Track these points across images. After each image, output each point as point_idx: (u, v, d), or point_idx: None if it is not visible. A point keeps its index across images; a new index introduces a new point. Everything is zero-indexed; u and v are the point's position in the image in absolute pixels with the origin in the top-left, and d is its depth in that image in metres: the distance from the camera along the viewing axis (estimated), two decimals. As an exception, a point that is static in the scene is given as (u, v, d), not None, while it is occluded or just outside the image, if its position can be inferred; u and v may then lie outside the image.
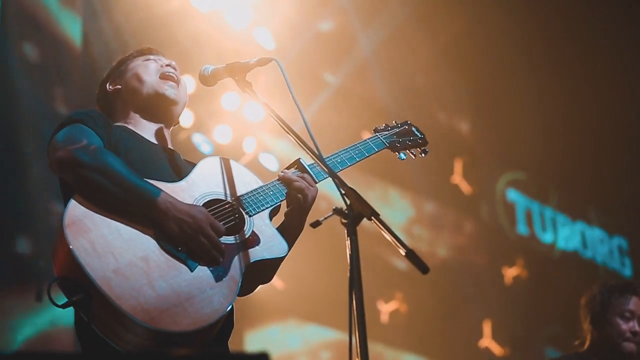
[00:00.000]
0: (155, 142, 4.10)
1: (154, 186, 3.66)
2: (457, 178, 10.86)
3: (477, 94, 10.96)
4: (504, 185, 11.34)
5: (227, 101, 8.60)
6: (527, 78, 10.87)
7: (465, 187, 10.89)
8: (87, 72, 7.54)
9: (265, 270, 3.90)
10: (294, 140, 3.75)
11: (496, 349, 10.52)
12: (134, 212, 3.59)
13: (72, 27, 7.71)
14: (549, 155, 11.13)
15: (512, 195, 11.37)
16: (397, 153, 4.51)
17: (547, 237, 11.50)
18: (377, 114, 9.95)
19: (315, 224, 3.76)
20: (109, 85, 4.25)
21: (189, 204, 3.71)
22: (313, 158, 3.65)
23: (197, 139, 8.36)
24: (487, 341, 10.51)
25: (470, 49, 10.53)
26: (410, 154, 4.56)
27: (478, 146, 11.16)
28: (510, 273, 11.04)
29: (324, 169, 3.69)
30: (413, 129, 4.62)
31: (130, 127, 4.09)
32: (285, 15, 8.97)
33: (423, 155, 4.59)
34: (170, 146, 4.17)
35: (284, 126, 3.79)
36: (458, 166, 10.88)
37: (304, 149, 3.67)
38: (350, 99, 9.84)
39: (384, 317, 9.75)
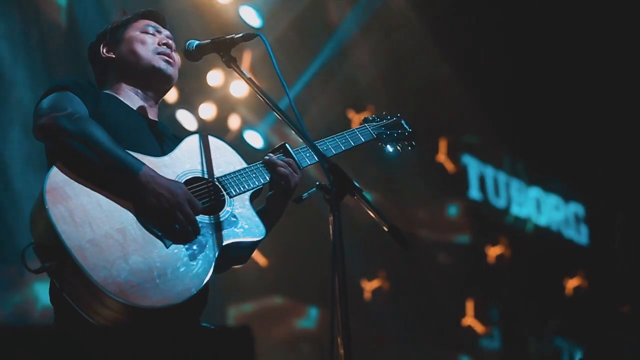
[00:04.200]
0: (143, 115, 4.11)
1: (137, 159, 3.66)
2: (442, 157, 10.86)
3: (467, 72, 10.92)
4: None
5: (213, 77, 8.58)
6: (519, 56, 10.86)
7: (450, 166, 10.90)
8: (72, 48, 7.50)
9: (241, 251, 3.91)
10: (279, 118, 3.75)
11: (478, 328, 10.57)
12: (114, 183, 3.60)
13: (57, 3, 7.66)
14: (506, 121, 11.12)
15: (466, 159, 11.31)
16: (384, 145, 4.54)
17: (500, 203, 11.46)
18: (364, 92, 9.95)
19: (298, 200, 3.77)
20: (102, 49, 4.23)
21: (170, 180, 3.71)
22: (296, 132, 3.64)
23: (182, 115, 8.35)
24: (469, 320, 10.55)
25: (459, 26, 10.49)
26: (398, 147, 4.58)
27: (462, 124, 11.13)
28: (494, 252, 11.07)
29: (306, 143, 3.69)
30: (402, 122, 4.65)
31: (119, 97, 4.10)
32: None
33: (410, 149, 4.61)
34: (156, 119, 4.18)
35: (268, 102, 3.79)
36: (443, 145, 10.88)
37: (288, 125, 3.68)
38: (337, 77, 9.82)
39: (367, 295, 9.78)
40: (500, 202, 11.36)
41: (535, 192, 11.76)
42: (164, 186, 3.63)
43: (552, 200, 11.89)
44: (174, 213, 3.60)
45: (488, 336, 10.63)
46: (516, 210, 11.47)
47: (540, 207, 11.72)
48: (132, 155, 3.66)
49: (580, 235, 11.93)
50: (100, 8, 7.55)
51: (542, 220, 11.68)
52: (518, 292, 10.75)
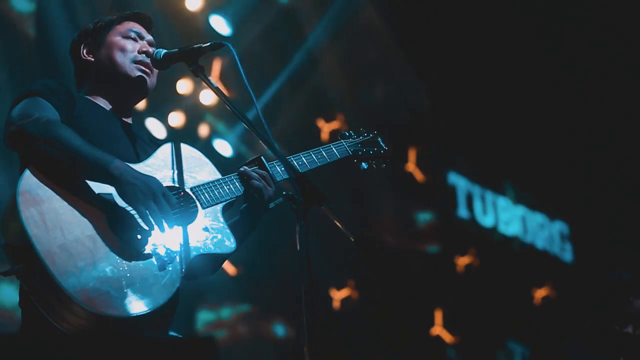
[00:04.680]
0: (118, 118, 4.09)
1: (108, 154, 3.64)
2: (411, 166, 10.88)
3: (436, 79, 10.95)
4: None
5: (182, 85, 8.58)
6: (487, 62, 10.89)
7: (419, 176, 10.93)
8: (41, 58, 7.48)
9: (210, 263, 3.88)
10: (248, 126, 3.73)
11: (447, 337, 10.59)
12: (86, 189, 3.58)
13: (24, 11, 7.63)
14: (490, 136, 11.15)
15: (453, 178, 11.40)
16: (358, 162, 4.53)
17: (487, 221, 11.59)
18: (333, 101, 9.97)
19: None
20: (83, 50, 4.19)
21: (144, 173, 3.68)
22: (262, 141, 3.62)
23: (151, 123, 8.32)
24: (438, 329, 10.58)
25: (428, 36, 10.51)
26: (372, 165, 4.57)
27: (432, 131, 11.15)
28: (462, 262, 11.10)
29: (273, 152, 3.69)
30: (379, 139, 4.64)
31: (95, 100, 4.08)
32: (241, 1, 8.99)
33: (384, 166, 4.60)
34: (130, 122, 4.17)
35: (235, 112, 3.77)
36: (412, 154, 10.90)
37: (255, 135, 3.66)
38: (307, 86, 9.83)
39: (336, 304, 9.78)
40: (487, 221, 11.49)
41: (521, 210, 11.89)
42: (138, 177, 3.62)
43: (537, 219, 12.03)
44: (147, 203, 3.57)
45: (456, 346, 10.65)
46: (503, 228, 11.60)
47: (525, 225, 11.87)
48: (102, 151, 3.64)
49: (564, 252, 12.09)
50: (69, 16, 7.52)
51: (528, 238, 11.84)
52: (485, 302, 10.79)
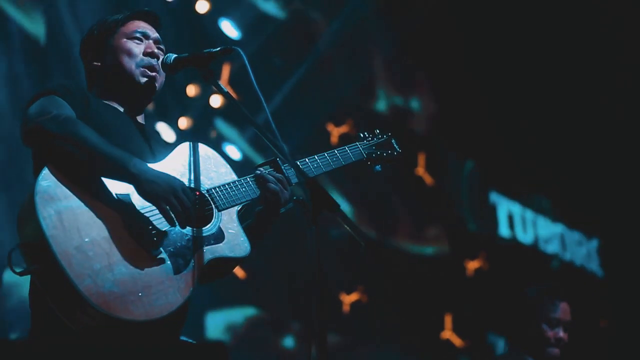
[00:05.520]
0: (131, 118, 4.08)
1: (126, 153, 3.63)
2: (421, 170, 10.87)
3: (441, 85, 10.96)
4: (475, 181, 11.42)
5: (192, 89, 8.59)
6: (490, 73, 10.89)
7: (428, 179, 10.91)
8: (52, 65, 7.49)
9: (223, 267, 3.89)
10: (258, 130, 3.73)
11: (457, 341, 10.57)
12: (107, 178, 3.58)
13: (34, 19, 7.62)
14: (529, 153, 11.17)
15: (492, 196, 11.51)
16: (372, 165, 4.53)
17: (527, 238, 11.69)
18: (343, 105, 9.97)
19: (276, 214, 3.74)
20: (90, 55, 4.17)
21: (162, 171, 3.69)
22: (273, 148, 3.62)
23: (160, 126, 8.32)
24: (448, 333, 10.56)
25: (433, 41, 10.51)
26: (385, 167, 4.58)
27: (440, 136, 11.16)
28: (472, 266, 11.08)
29: (279, 155, 3.68)
30: (392, 141, 4.64)
31: (106, 101, 4.05)
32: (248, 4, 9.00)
33: (390, 166, 4.60)
34: (143, 122, 4.16)
35: (245, 117, 3.77)
36: (421, 158, 10.88)
37: (265, 141, 3.66)
38: (316, 90, 9.83)
39: (346, 308, 9.76)
40: (527, 238, 11.66)
41: (559, 228, 12.01)
42: (157, 175, 3.63)
43: (575, 236, 12.14)
44: (168, 199, 3.58)
45: (466, 350, 10.63)
46: (542, 245, 11.72)
47: (564, 243, 11.95)
48: (120, 150, 3.63)
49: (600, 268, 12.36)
50: (78, 22, 7.52)
51: (567, 255, 12.03)
52: (494, 305, 10.77)
